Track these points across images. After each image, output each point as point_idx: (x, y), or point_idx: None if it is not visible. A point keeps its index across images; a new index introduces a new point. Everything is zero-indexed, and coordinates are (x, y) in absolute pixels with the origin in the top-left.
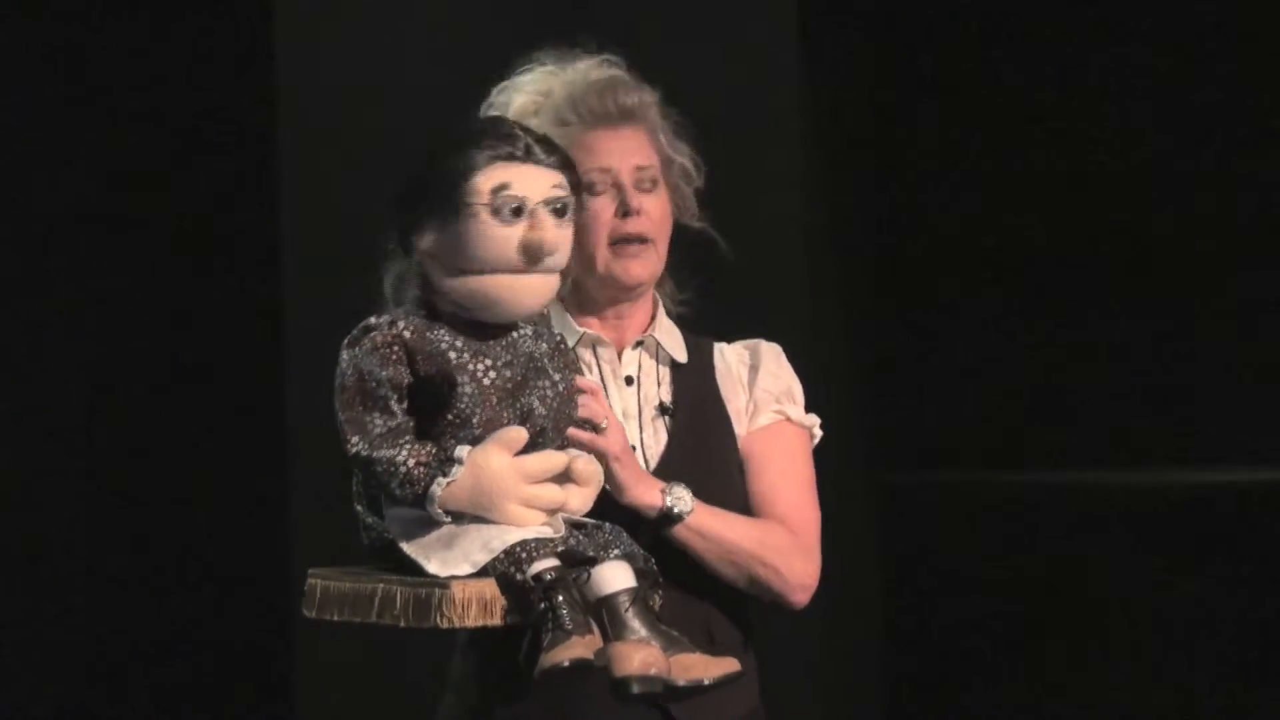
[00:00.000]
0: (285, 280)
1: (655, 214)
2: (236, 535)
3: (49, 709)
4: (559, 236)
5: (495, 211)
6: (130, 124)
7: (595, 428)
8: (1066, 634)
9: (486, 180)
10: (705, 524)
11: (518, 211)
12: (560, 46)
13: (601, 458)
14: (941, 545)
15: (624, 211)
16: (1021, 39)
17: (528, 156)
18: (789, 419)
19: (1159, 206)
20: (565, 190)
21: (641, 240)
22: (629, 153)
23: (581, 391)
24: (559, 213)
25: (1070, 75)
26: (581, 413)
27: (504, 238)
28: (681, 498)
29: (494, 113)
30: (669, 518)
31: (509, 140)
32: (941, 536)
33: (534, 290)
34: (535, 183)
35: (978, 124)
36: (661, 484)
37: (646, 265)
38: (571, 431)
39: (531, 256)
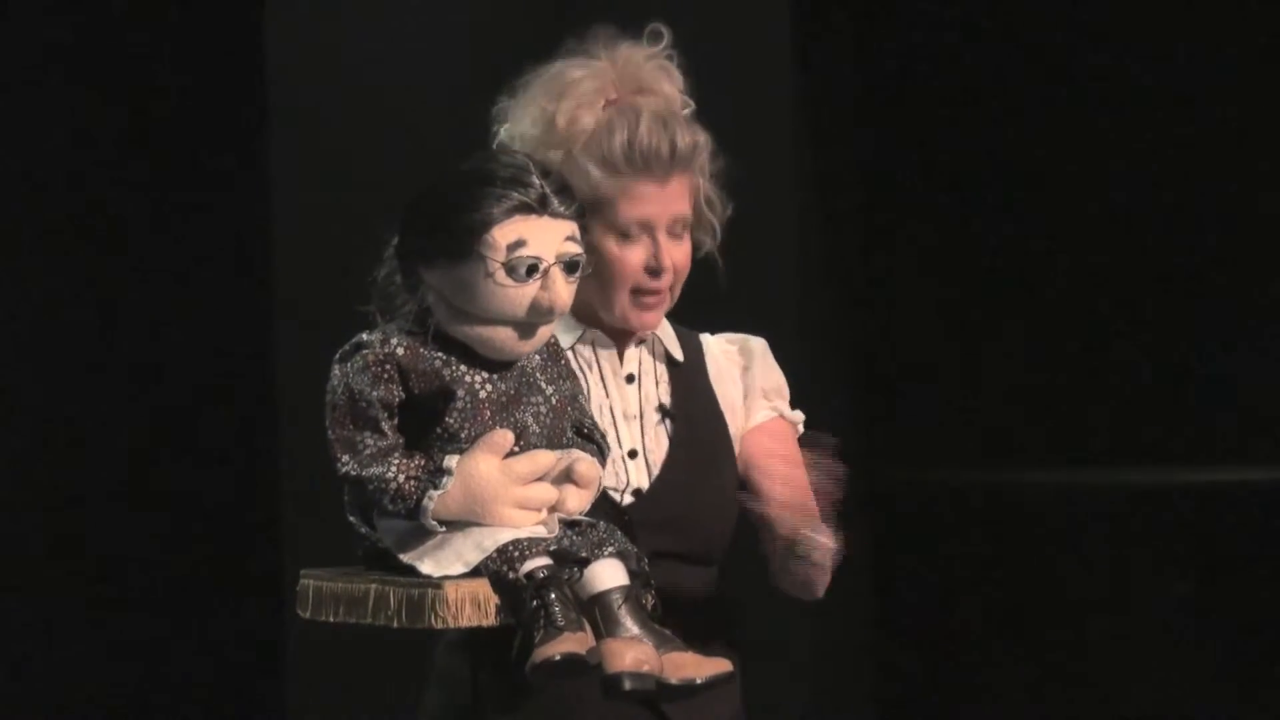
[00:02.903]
0: (279, 279)
1: (680, 261)
2: (229, 536)
3: (39, 710)
4: (570, 295)
5: (510, 270)
6: (120, 122)
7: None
8: (1061, 635)
9: (503, 235)
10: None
11: (532, 271)
12: (609, 33)
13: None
14: (932, 546)
15: (654, 267)
16: (1015, 37)
17: (544, 208)
18: (782, 416)
19: (1159, 206)
20: (578, 245)
21: (662, 293)
22: (671, 203)
23: (576, 397)
24: (570, 269)
25: (1068, 70)
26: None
27: (516, 297)
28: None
29: (542, 102)
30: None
31: (527, 189)
32: (933, 537)
33: (535, 340)
34: (550, 239)
35: (974, 119)
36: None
37: (660, 314)
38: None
39: (542, 317)
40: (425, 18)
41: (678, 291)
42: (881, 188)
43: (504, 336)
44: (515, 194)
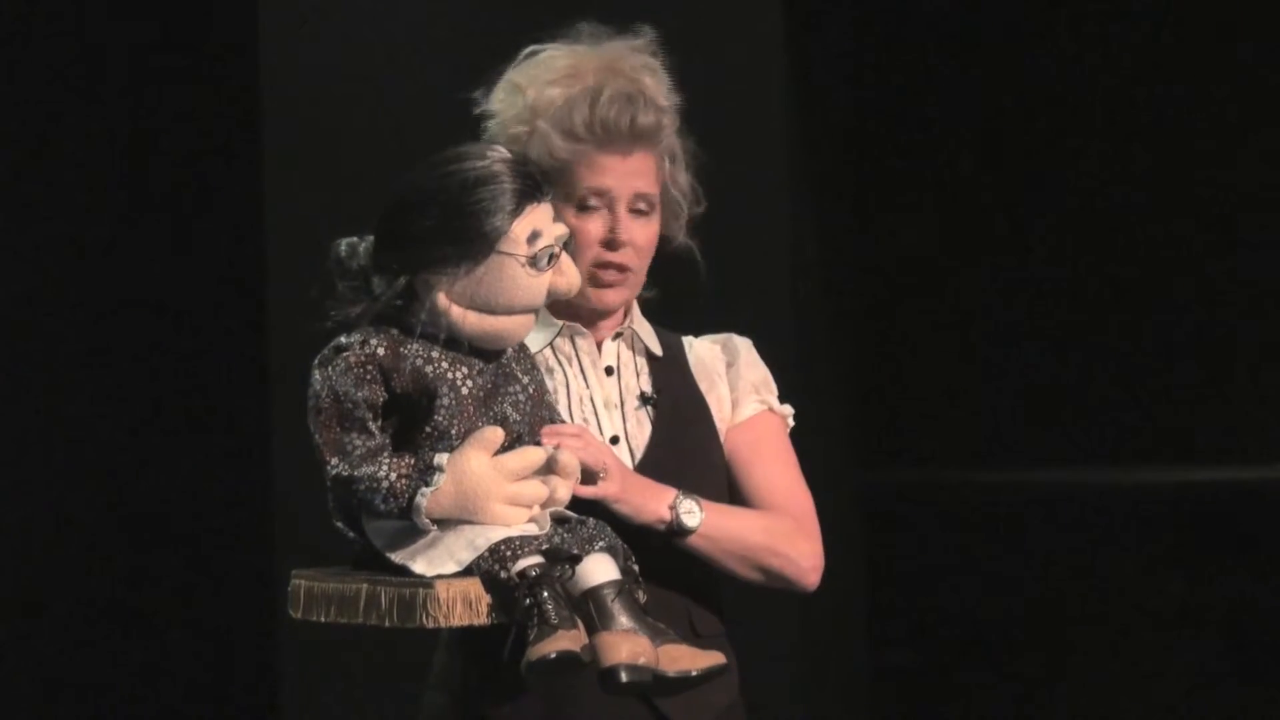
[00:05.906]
0: (269, 276)
1: (642, 241)
2: (220, 536)
3: (33, 711)
4: (577, 273)
5: (534, 263)
6: (115, 122)
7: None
8: (1057, 633)
9: (521, 229)
10: (714, 527)
11: (551, 259)
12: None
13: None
14: (925, 544)
15: (610, 242)
16: (1007, 41)
17: (542, 194)
18: (771, 409)
19: (1157, 207)
20: (564, 226)
21: (621, 270)
22: (632, 177)
23: (545, 396)
24: (566, 247)
25: (1065, 70)
26: (581, 455)
27: (538, 286)
28: (691, 511)
29: (516, 79)
30: (680, 531)
31: (525, 179)
32: (924, 536)
33: (533, 324)
34: (552, 224)
35: (970, 119)
36: (668, 496)
37: (622, 294)
38: (578, 490)
39: (559, 299)
40: (424, 20)
41: (642, 274)
42: (875, 187)
43: (520, 324)
44: (518, 186)
